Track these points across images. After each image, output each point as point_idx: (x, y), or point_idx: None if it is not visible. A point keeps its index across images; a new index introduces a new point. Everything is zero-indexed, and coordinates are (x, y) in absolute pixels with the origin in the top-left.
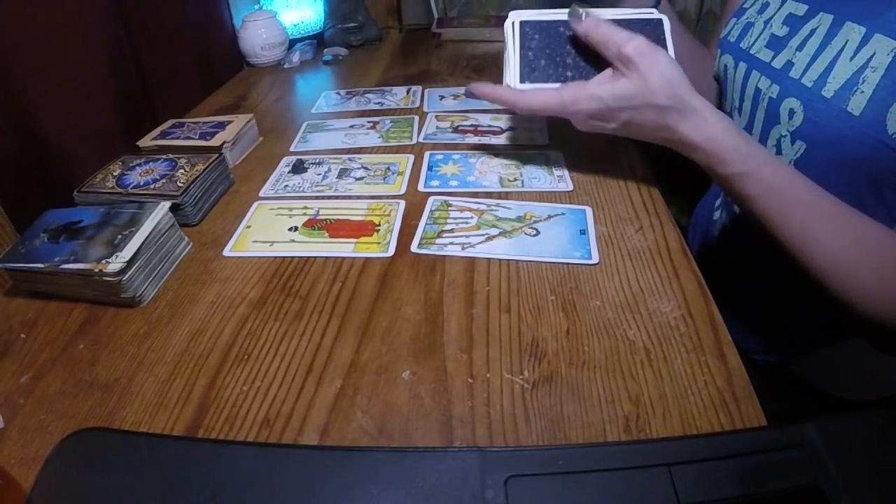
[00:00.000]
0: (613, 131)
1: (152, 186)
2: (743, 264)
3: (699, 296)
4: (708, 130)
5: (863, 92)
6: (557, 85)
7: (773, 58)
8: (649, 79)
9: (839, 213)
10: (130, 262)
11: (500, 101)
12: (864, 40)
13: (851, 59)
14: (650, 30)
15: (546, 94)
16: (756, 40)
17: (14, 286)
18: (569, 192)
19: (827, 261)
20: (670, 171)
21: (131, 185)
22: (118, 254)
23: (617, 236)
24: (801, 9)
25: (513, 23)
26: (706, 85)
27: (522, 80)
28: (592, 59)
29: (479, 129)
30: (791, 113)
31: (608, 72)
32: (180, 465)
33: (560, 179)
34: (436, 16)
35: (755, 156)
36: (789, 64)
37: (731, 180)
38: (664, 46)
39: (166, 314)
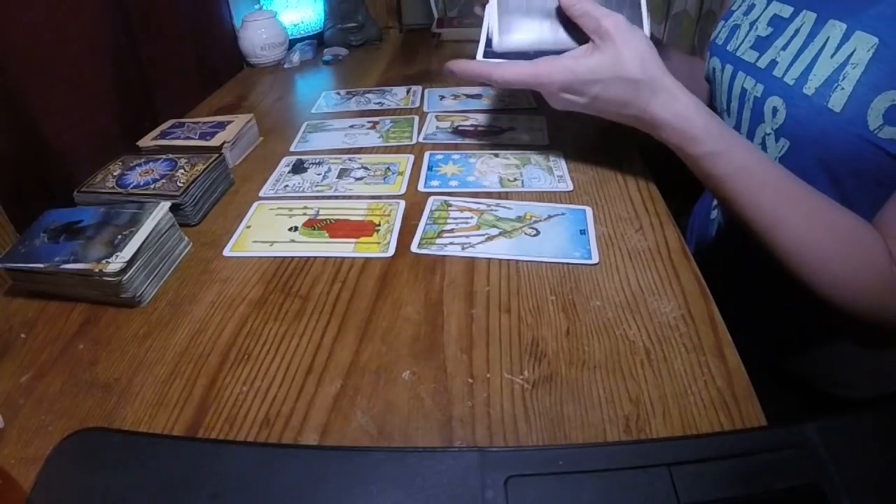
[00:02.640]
0: (584, 107)
1: (152, 186)
2: (739, 263)
3: (699, 296)
4: (677, 108)
5: (843, 89)
6: (531, 50)
7: (758, 58)
8: (622, 52)
9: (811, 199)
10: (130, 262)
11: (475, 75)
12: (845, 37)
13: (832, 56)
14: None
15: (521, 67)
16: (742, 42)
17: (14, 286)
18: (569, 192)
19: (796, 245)
20: (668, 171)
21: (131, 185)
22: (118, 254)
23: (617, 236)
24: (787, 10)
25: None
26: (700, 90)
27: (501, 35)
28: (570, 33)
29: (479, 129)
30: (774, 111)
31: (583, 47)
32: (180, 465)
33: (560, 179)
34: (436, 16)
35: (726, 136)
36: (773, 63)
37: (701, 160)
38: (640, 18)
39: (166, 314)
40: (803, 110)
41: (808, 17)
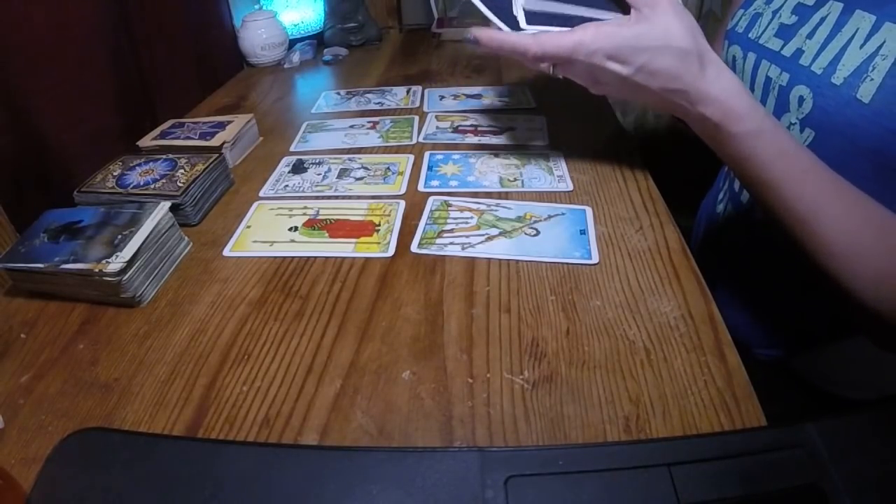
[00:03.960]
0: (623, 82)
1: (152, 186)
2: (747, 256)
3: (699, 296)
4: (724, 83)
5: (872, 80)
6: (566, 29)
7: (783, 46)
8: (672, 21)
9: (850, 190)
10: (130, 262)
11: (508, 48)
12: (875, 28)
13: (861, 46)
14: None
15: (560, 36)
16: (765, 30)
17: (14, 286)
18: (569, 192)
19: (836, 235)
20: (670, 170)
21: (131, 185)
22: (118, 254)
23: (617, 236)
24: None
25: None
26: None
27: (529, 22)
28: (599, 3)
29: (479, 129)
30: (801, 100)
31: (626, 16)
32: (180, 465)
33: (560, 179)
34: (436, 16)
35: (769, 117)
36: (799, 52)
37: (746, 139)
38: None
39: (166, 314)
40: (831, 100)
41: (834, 7)
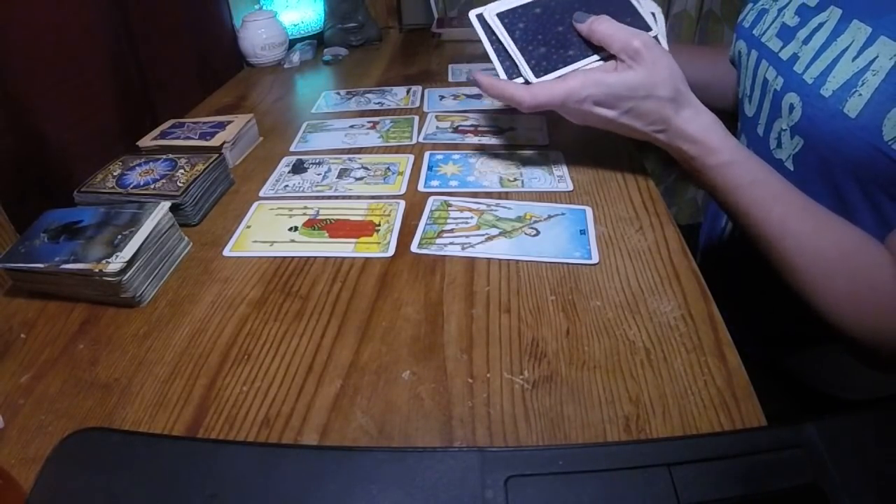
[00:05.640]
0: (609, 122)
1: (152, 186)
2: (744, 263)
3: (699, 296)
4: (701, 122)
5: (861, 95)
6: (567, 69)
7: (782, 48)
8: (655, 71)
9: (819, 214)
10: (130, 262)
11: (506, 98)
12: (869, 41)
13: (854, 59)
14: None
15: (551, 85)
16: (768, 28)
17: (14, 286)
18: (569, 192)
19: (803, 259)
20: (670, 170)
21: (131, 185)
22: (118, 254)
23: (617, 236)
24: (814, 0)
25: (483, 16)
26: (722, 78)
27: (538, 74)
28: (589, 46)
29: (479, 129)
30: (791, 108)
31: (610, 63)
32: (180, 465)
33: (560, 179)
34: (436, 16)
35: (741, 149)
36: (794, 57)
37: (719, 169)
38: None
39: (166, 314)
40: (819, 111)
41: (833, 14)
